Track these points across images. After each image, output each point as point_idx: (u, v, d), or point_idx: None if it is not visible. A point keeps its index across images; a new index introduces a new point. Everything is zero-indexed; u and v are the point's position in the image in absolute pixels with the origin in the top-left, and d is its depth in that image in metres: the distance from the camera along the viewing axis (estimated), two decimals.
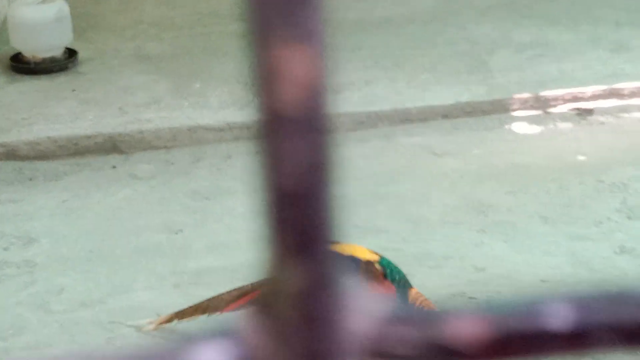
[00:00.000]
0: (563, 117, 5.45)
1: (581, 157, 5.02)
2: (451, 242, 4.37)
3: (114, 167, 5.31)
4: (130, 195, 5.00)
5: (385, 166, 5.16)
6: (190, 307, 3.60)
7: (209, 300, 3.58)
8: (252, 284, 3.55)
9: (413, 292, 3.21)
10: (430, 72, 6.05)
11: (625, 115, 5.43)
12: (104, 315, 4.01)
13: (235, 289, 3.57)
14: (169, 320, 3.59)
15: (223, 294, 3.57)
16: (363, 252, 3.29)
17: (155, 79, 6.13)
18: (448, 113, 5.60)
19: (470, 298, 3.93)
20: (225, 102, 5.76)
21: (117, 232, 4.64)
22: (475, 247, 4.31)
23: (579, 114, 5.47)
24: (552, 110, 5.51)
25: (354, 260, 3.27)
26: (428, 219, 4.60)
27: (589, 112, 5.46)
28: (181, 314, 3.60)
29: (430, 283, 3.35)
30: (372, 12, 7.09)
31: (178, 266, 4.31)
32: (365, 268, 3.25)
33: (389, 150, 5.34)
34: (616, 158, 4.95)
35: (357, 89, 5.90)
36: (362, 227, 4.46)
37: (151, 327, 3.68)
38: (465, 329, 0.51)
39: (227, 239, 4.51)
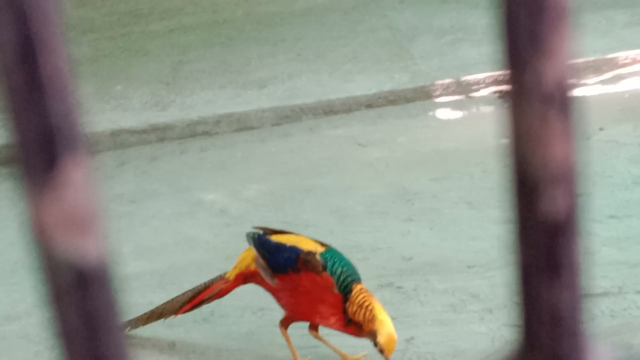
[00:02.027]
0: (485, 100, 5.49)
1: (504, 140, 5.05)
2: (378, 233, 4.37)
3: None
4: None
5: (310, 159, 5.16)
6: (145, 313, 3.56)
7: (164, 304, 3.56)
8: (204, 283, 3.52)
9: (357, 288, 3.21)
10: (352, 62, 6.05)
11: None
12: (31, 329, 3.96)
13: (189, 290, 3.54)
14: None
15: (177, 297, 3.55)
16: (309, 243, 3.28)
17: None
18: (372, 102, 5.61)
19: (399, 288, 3.94)
20: (148, 103, 5.71)
21: None
22: (402, 236, 4.32)
23: (500, 97, 5.50)
24: (474, 94, 5.54)
25: (294, 250, 3.26)
26: (355, 210, 4.61)
27: None
28: (135, 321, 3.56)
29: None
30: (293, 4, 7.07)
31: None
32: (305, 258, 3.24)
33: (313, 143, 5.33)
34: None
35: (280, 82, 5.88)
36: (289, 223, 4.45)
37: None
38: None
39: (154, 242, 4.47)
